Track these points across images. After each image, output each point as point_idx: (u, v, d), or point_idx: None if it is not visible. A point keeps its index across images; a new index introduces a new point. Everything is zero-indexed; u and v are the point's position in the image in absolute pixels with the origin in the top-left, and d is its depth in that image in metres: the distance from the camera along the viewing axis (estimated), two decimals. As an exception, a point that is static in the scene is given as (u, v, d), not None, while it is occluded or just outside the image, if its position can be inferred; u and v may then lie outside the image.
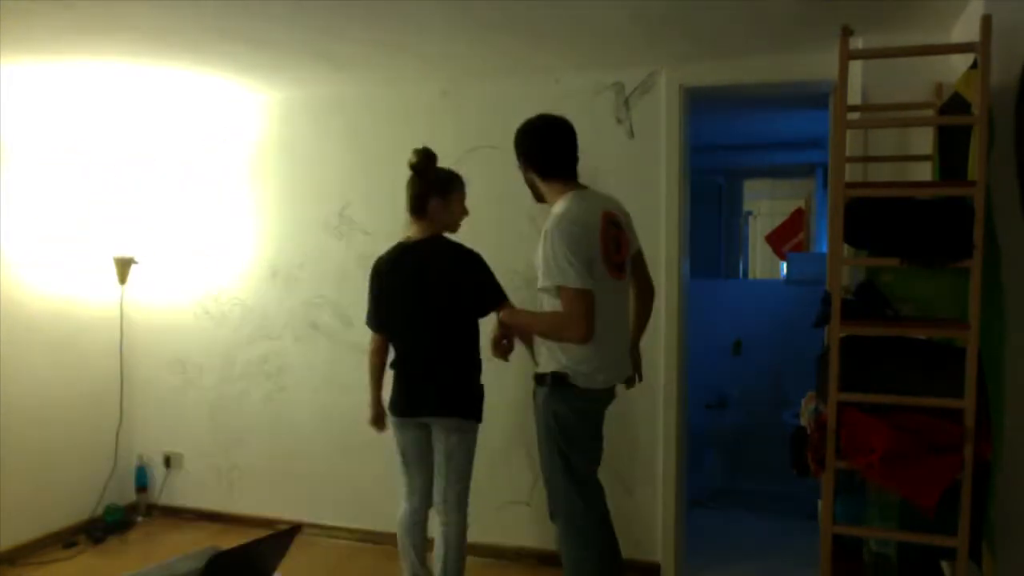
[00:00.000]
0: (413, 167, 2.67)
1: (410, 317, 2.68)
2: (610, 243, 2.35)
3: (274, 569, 2.39)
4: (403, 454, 2.80)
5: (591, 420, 2.46)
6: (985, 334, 1.92)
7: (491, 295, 2.65)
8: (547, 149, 2.42)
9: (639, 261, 2.57)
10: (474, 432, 2.73)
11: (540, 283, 2.30)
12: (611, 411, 3.07)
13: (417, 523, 2.80)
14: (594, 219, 2.33)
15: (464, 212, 2.75)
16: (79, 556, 3.58)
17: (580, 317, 2.19)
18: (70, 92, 3.58)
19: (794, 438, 2.26)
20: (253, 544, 2.39)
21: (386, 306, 2.75)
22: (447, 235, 2.72)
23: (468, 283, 2.64)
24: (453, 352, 2.68)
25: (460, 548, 2.71)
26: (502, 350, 2.50)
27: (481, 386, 2.73)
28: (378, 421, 2.88)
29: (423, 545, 2.80)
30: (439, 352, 2.67)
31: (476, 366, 2.73)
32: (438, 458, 2.71)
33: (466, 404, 2.69)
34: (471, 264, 2.66)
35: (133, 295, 4.02)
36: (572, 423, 2.37)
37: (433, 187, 2.66)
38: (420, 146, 2.68)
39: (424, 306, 2.65)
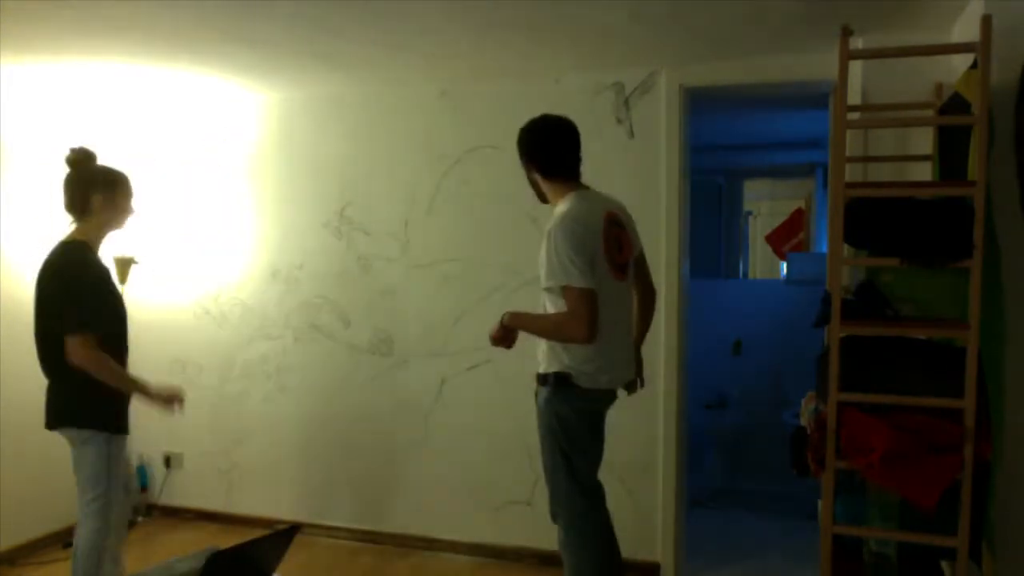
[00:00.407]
0: (68, 161, 2.56)
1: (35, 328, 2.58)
2: (612, 243, 2.35)
3: (274, 568, 2.39)
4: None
5: (593, 421, 2.45)
6: (985, 334, 1.92)
7: (65, 317, 2.43)
8: (549, 149, 2.41)
9: (641, 263, 2.57)
10: (96, 442, 2.55)
11: (543, 283, 2.29)
12: (611, 411, 3.06)
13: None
14: (596, 219, 2.32)
15: (129, 211, 2.63)
16: (79, 556, 3.57)
17: (583, 317, 2.17)
18: (70, 92, 3.58)
19: (794, 438, 2.26)
20: (252, 543, 2.39)
21: None
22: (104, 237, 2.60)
23: (55, 297, 2.48)
24: (56, 364, 2.50)
25: (86, 560, 2.55)
26: (502, 344, 2.47)
27: (93, 398, 2.52)
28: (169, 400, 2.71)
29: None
30: (45, 366, 2.57)
31: (79, 375, 2.47)
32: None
33: (74, 414, 2.54)
34: (63, 277, 2.49)
35: (133, 295, 4.01)
36: (574, 424, 2.37)
37: (93, 184, 2.53)
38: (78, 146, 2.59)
39: (37, 318, 2.57)
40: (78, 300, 2.45)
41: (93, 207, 2.53)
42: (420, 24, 2.64)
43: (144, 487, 4.08)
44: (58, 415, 2.57)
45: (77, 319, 2.43)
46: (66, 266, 2.50)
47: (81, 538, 2.57)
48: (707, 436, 4.57)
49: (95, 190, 2.53)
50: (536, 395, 2.43)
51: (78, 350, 2.40)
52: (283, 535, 2.43)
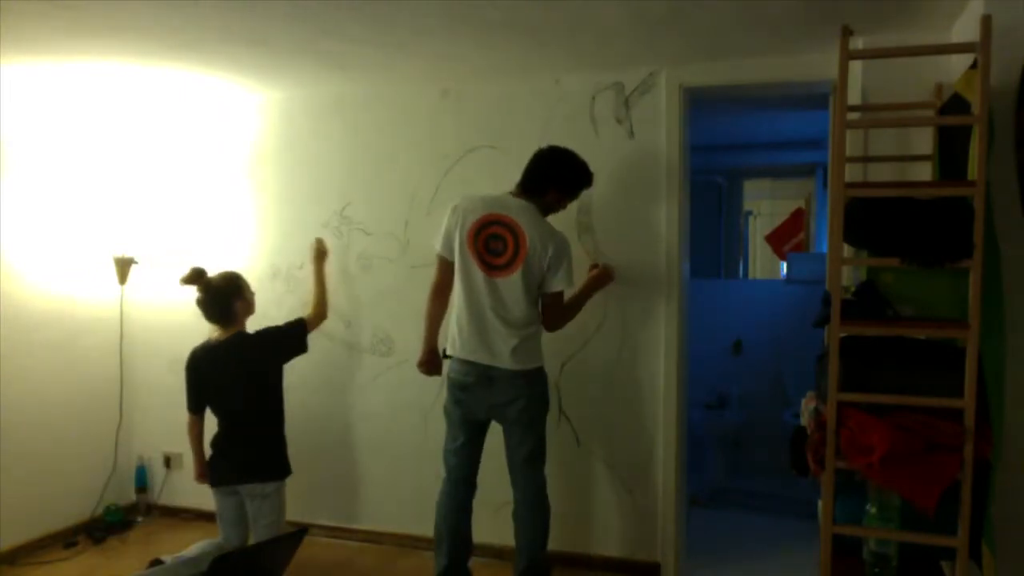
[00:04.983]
0: (189, 280, 3.09)
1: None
2: (482, 240, 2.72)
3: (281, 572, 2.38)
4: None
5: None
6: (985, 334, 1.92)
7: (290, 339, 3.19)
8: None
9: (548, 297, 2.80)
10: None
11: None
12: (611, 410, 3.05)
13: None
14: (473, 210, 2.80)
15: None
16: (79, 556, 3.58)
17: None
18: (70, 92, 3.58)
19: (794, 438, 2.26)
20: (258, 547, 2.40)
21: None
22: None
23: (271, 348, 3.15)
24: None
25: None
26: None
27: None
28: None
29: None
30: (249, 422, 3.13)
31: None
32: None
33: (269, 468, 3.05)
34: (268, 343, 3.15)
35: (133, 295, 4.02)
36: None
37: (231, 293, 3.08)
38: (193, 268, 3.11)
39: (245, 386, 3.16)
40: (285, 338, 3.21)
41: (237, 311, 3.10)
42: (420, 24, 2.64)
43: (144, 487, 4.08)
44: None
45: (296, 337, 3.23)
46: (266, 337, 3.17)
47: None
48: (707, 436, 4.58)
49: (235, 297, 3.09)
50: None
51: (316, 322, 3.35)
52: (290, 538, 2.43)
